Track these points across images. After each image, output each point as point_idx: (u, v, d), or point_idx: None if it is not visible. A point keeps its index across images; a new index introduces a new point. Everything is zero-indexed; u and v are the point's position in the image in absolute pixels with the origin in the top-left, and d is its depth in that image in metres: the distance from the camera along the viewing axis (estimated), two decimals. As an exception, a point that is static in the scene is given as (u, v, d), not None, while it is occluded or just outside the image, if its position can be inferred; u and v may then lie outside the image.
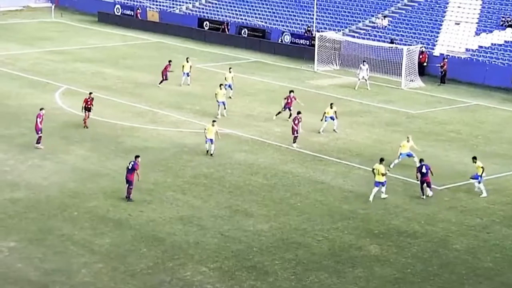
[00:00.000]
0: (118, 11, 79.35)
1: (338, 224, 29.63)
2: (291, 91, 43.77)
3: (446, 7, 63.08)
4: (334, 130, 41.25)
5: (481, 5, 61.68)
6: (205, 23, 71.91)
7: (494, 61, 55.38)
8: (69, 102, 45.99)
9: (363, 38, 60.74)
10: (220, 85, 44.71)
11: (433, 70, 56.59)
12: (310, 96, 50.12)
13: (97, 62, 58.78)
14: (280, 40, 66.15)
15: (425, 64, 56.98)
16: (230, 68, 49.53)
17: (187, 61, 51.21)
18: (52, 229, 28.25)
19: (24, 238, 27.44)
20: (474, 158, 33.73)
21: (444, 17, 62.26)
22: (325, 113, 41.28)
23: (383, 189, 32.15)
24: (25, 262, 25.64)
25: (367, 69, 52.60)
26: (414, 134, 41.97)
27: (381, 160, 32.50)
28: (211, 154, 36.78)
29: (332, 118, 41.31)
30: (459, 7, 62.30)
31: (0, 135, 39.25)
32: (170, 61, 51.65)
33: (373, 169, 32.15)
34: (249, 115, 44.69)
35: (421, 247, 27.85)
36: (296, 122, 38.63)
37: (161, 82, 50.70)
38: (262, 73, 56.67)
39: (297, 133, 38.59)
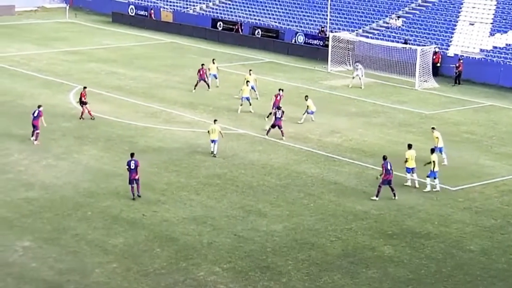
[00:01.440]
0: (132, 11, 79.56)
1: (351, 224, 29.60)
2: (280, 89, 44.38)
3: (461, 8, 62.88)
4: (312, 119, 43.06)
5: (495, 5, 61.44)
6: (218, 23, 71.99)
7: (508, 61, 55.14)
8: (83, 102, 46.16)
9: (377, 39, 60.64)
10: (247, 82, 45.48)
11: (447, 71, 56.43)
12: (324, 97, 50.14)
13: (111, 62, 58.96)
14: (293, 40, 66.13)
15: (438, 64, 56.84)
16: (250, 70, 49.44)
17: (213, 63, 50.86)
18: (66, 229, 28.36)
19: (38, 237, 27.56)
20: (432, 150, 33.80)
21: (458, 17, 62.05)
22: (308, 107, 42.73)
23: (415, 175, 33.41)
24: (39, 261, 25.76)
25: (361, 68, 52.72)
26: (428, 135, 41.89)
27: (410, 146, 33.77)
28: (214, 155, 36.83)
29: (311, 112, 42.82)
30: (473, 7, 62.08)
31: (14, 135, 39.46)
32: (203, 64, 50.84)
33: (407, 159, 33.29)
34: (262, 116, 44.64)
35: (435, 248, 27.78)
36: (279, 116, 39.87)
37: (208, 86, 49.95)
38: (275, 74, 56.66)
39: (280, 127, 39.80)
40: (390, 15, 65.50)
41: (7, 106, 45.38)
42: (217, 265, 25.87)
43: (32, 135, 38.26)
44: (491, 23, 59.81)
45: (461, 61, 55.15)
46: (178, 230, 28.56)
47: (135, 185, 31.32)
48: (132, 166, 31.24)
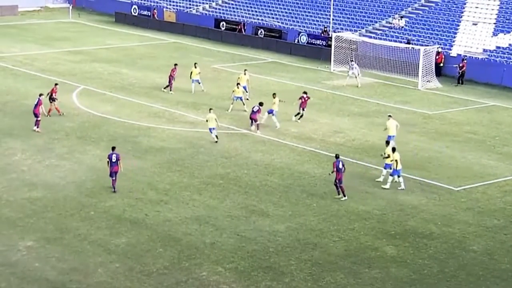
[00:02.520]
0: (135, 11, 79.62)
1: (354, 224, 29.60)
2: (304, 92, 44.12)
3: (464, 8, 62.86)
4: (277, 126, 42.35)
5: (498, 5, 61.42)
6: (221, 23, 72.01)
7: (511, 61, 55.11)
8: (86, 102, 46.22)
9: (380, 39, 60.64)
10: (237, 84, 45.76)
11: (450, 71, 56.40)
12: (326, 97, 50.16)
13: (114, 62, 59.01)
14: (296, 40, 66.14)
15: (441, 64, 56.82)
16: (245, 70, 49.54)
17: (195, 67, 49.93)
18: (69, 229, 28.40)
19: (41, 237, 27.60)
20: (394, 149, 33.70)
21: (461, 17, 62.03)
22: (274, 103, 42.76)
23: (384, 172, 33.87)
24: (42, 261, 25.79)
25: (356, 67, 52.79)
26: (431, 134, 41.97)
27: (388, 143, 34.29)
28: (216, 141, 38.36)
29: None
30: (476, 7, 62.06)
31: (17, 135, 39.51)
32: (176, 64, 50.52)
33: (388, 155, 33.48)
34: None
35: (438, 248, 27.77)
36: (257, 111, 40.64)
37: (166, 87, 49.36)
38: (278, 74, 56.68)
39: (255, 121, 40.63)
40: (393, 15, 65.49)
41: (10, 106, 45.46)
42: (220, 265, 25.89)
43: (35, 124, 39.52)
44: (494, 23, 59.77)
45: (465, 61, 55.10)
46: (181, 230, 28.58)
47: (115, 178, 31.80)
48: (114, 159, 31.49)
